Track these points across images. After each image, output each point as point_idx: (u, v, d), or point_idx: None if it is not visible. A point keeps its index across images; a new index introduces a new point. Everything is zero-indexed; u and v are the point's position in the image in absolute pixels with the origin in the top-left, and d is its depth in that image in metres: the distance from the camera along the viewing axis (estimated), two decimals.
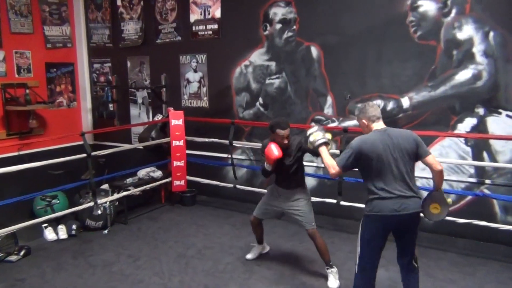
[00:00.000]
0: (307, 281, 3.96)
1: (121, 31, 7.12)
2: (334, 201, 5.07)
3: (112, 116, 7.12)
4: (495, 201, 4.67)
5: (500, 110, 4.55)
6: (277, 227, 5.37)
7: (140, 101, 7.16)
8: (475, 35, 4.57)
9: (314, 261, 4.32)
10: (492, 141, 4.62)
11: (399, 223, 2.95)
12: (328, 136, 3.43)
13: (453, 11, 4.66)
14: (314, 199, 5.24)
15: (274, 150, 3.73)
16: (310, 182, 5.77)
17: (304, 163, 5.71)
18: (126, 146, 5.98)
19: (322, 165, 5.46)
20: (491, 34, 4.49)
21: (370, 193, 2.99)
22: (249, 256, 4.46)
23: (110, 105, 7.12)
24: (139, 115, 7.19)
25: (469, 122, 4.69)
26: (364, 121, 3.14)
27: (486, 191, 4.66)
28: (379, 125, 3.10)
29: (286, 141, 3.84)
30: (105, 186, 5.77)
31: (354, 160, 2.99)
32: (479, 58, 4.58)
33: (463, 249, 4.59)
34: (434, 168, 3.02)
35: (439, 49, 4.78)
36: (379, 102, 5.14)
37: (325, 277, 3.97)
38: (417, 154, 3.00)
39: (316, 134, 3.41)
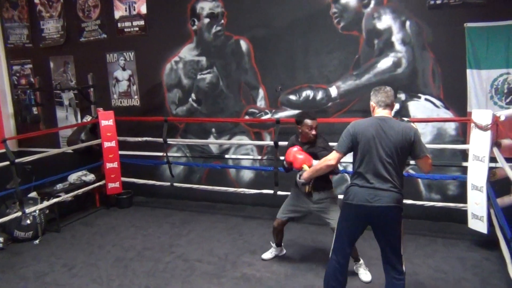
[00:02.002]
0: (247, 272, 4.01)
1: (41, 30, 6.76)
2: (271, 191, 5.15)
3: (36, 120, 6.75)
4: (419, 180, 4.99)
5: (420, 95, 4.85)
6: (217, 222, 5.38)
7: (66, 103, 6.85)
8: (393, 24, 4.83)
9: (253, 251, 4.38)
10: (413, 124, 4.90)
11: (371, 215, 2.84)
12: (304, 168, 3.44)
13: (372, 2, 4.90)
14: (252, 191, 5.33)
15: (299, 155, 3.54)
16: (247, 174, 5.85)
17: (241, 156, 5.81)
18: (54, 151, 5.69)
19: (259, 157, 5.59)
20: (408, 23, 4.77)
21: (351, 180, 2.98)
22: (265, 256, 4.25)
23: (34, 109, 6.74)
24: (66, 117, 6.87)
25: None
26: (372, 103, 3.01)
27: (411, 171, 4.95)
28: (383, 112, 2.94)
29: (314, 132, 3.66)
30: (33, 194, 5.45)
31: (350, 142, 2.90)
32: (398, 46, 4.85)
33: None
34: (421, 169, 2.97)
35: (361, 39, 4.99)
36: (309, 93, 5.29)
37: (264, 265, 4.08)
38: (411, 153, 2.85)
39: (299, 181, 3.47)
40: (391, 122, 2.87)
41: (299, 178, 3.41)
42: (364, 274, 3.77)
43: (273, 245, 4.25)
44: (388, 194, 2.80)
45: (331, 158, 2.98)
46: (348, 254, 3.06)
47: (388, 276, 2.96)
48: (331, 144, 3.64)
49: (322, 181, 3.63)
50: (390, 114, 2.95)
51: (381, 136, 2.81)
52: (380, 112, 2.95)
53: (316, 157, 3.54)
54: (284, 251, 4.33)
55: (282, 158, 5.00)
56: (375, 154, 2.81)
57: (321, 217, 3.81)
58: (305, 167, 3.41)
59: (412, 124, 2.94)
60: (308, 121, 3.65)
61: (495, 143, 4.02)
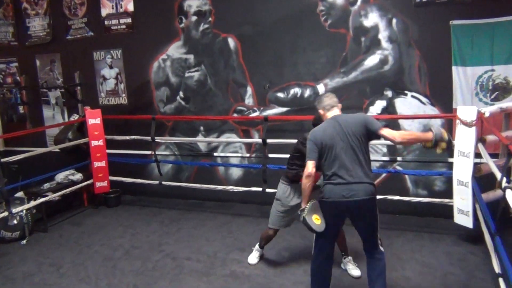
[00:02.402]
0: (236, 269, 4.02)
1: (27, 28, 6.68)
2: (260, 189, 5.16)
3: (23, 119, 6.69)
4: (406, 176, 5.05)
5: (406, 92, 4.90)
6: (206, 220, 5.37)
7: (53, 101, 6.79)
8: (380, 22, 4.86)
9: (242, 249, 4.39)
10: (400, 121, 4.96)
11: (349, 209, 2.96)
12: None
13: (359, 0, 4.91)
14: (240, 188, 5.35)
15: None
16: (236, 172, 5.86)
17: (229, 154, 5.83)
18: (40, 150, 5.63)
19: (247, 155, 5.60)
20: (394, 20, 4.81)
21: (324, 179, 3.06)
22: (253, 260, 4.15)
23: (20, 108, 6.67)
24: (53, 116, 6.81)
25: (379, 104, 5.00)
26: (321, 111, 3.22)
27: (398, 168, 5.00)
28: (333, 113, 3.15)
29: None
30: (20, 194, 5.41)
31: (317, 149, 3.00)
32: (384, 43, 4.88)
33: (380, 224, 4.83)
34: (392, 141, 2.95)
35: (348, 37, 5.02)
36: (297, 90, 5.31)
37: (248, 266, 4.11)
38: (369, 133, 2.98)
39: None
40: (341, 117, 3.08)
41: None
42: (354, 270, 3.81)
43: (257, 247, 4.18)
44: (362, 188, 2.92)
45: (306, 169, 3.04)
46: (332, 249, 3.16)
47: (370, 257, 3.13)
48: None
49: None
50: (339, 113, 3.16)
51: (340, 133, 2.97)
52: (330, 114, 3.16)
53: None
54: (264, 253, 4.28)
55: (271, 155, 5.02)
56: (340, 151, 2.94)
57: None
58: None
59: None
60: None
61: (480, 139, 4.07)
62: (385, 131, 2.95)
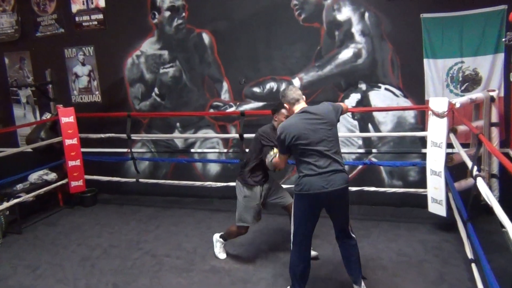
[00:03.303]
0: (216, 264, 4.03)
1: None
2: None
3: None
4: (381, 168, 5.14)
5: (380, 84, 4.98)
6: (184, 216, 5.36)
7: (24, 100, 6.63)
8: (352, 16, 4.92)
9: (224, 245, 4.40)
10: (375, 113, 5.04)
11: (328, 199, 3.00)
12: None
13: None
14: (218, 184, 5.34)
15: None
16: (213, 168, 5.85)
17: (207, 150, 5.82)
18: (12, 150, 5.49)
19: (224, 151, 5.60)
20: (367, 14, 4.87)
21: (299, 172, 3.06)
22: (222, 256, 4.16)
23: None
24: (24, 115, 6.65)
25: (354, 97, 5.06)
26: (286, 105, 3.22)
27: (374, 160, 5.09)
28: (299, 106, 3.15)
29: None
30: None
31: (287, 144, 3.03)
32: (358, 37, 4.94)
33: (357, 215, 4.98)
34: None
35: (322, 31, 5.06)
36: (273, 85, 5.33)
37: (233, 257, 4.13)
38: (337, 117, 3.16)
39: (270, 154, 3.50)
40: (312, 108, 3.10)
41: (271, 156, 3.45)
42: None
43: (220, 239, 4.16)
44: (339, 177, 2.99)
45: (280, 163, 3.31)
46: (310, 241, 3.20)
47: (343, 245, 3.23)
48: None
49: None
50: (305, 104, 3.19)
51: (311, 125, 2.99)
52: (297, 107, 3.16)
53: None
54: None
55: (247, 150, 5.01)
56: (315, 143, 2.96)
57: (274, 199, 3.95)
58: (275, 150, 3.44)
59: None
60: (284, 111, 3.63)
61: (451, 129, 4.18)
62: (344, 105, 3.40)
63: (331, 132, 3.03)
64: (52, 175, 5.86)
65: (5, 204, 5.05)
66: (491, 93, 4.34)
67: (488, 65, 4.51)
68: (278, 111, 3.64)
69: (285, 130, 3.04)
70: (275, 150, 3.45)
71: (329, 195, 2.97)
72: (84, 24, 6.05)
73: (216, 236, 4.20)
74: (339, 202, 3.07)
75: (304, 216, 3.10)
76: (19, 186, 5.52)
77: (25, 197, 5.32)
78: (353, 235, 3.22)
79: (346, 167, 5.10)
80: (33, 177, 5.75)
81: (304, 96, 3.24)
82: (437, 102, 4.10)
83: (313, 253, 3.83)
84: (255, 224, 3.98)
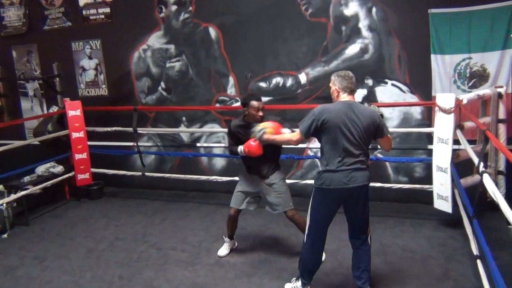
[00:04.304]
0: (221, 258, 4.05)
1: (1, 18, 6.52)
2: None
3: (0, 111, 6.54)
4: (387, 164, 5.13)
5: (386, 80, 4.96)
6: (190, 210, 5.38)
7: (31, 93, 6.67)
8: (360, 11, 4.89)
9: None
10: (381, 109, 4.99)
11: (348, 196, 2.95)
12: (265, 126, 3.39)
13: None
14: (224, 178, 5.36)
15: (257, 148, 3.50)
16: (219, 162, 5.87)
17: (212, 144, 5.82)
18: (19, 143, 5.53)
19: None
20: (374, 9, 4.84)
21: (322, 165, 2.99)
22: (222, 252, 4.11)
23: None
24: (31, 108, 6.69)
25: (360, 93, 5.04)
26: (336, 87, 3.01)
27: (379, 155, 5.08)
28: (348, 97, 2.99)
29: (261, 113, 3.61)
30: (0, 187, 5.32)
31: (315, 126, 2.90)
32: (364, 32, 4.92)
33: None
34: (383, 148, 3.21)
35: (329, 26, 5.04)
36: (279, 80, 5.32)
37: (238, 251, 4.15)
38: (376, 134, 2.98)
39: (255, 129, 3.40)
40: (359, 107, 2.94)
41: (259, 131, 3.35)
42: None
43: (226, 239, 4.15)
44: (361, 174, 2.92)
45: (294, 138, 3.08)
46: (325, 236, 3.17)
47: (357, 248, 3.15)
48: None
49: (274, 162, 3.79)
50: (353, 99, 3.03)
51: (352, 120, 2.87)
52: (345, 97, 2.99)
53: (271, 149, 3.62)
54: (236, 244, 4.26)
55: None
56: (346, 137, 2.87)
57: (266, 200, 3.84)
58: (269, 130, 3.35)
59: (377, 108, 3.06)
60: (254, 103, 3.62)
61: (458, 125, 4.16)
62: (385, 139, 3.07)
63: (365, 135, 2.91)
64: (59, 168, 5.91)
65: (13, 196, 5.10)
66: (499, 90, 4.31)
67: (496, 61, 4.47)
68: (248, 104, 3.62)
69: (324, 111, 2.90)
70: (261, 125, 3.41)
71: (350, 192, 2.92)
72: (91, 17, 6.07)
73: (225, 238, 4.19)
74: (358, 200, 3.00)
75: (321, 211, 3.07)
76: (27, 179, 5.57)
77: (32, 189, 5.36)
78: (370, 242, 3.15)
79: None
80: (40, 169, 5.79)
81: (355, 91, 3.12)
82: (444, 98, 4.08)
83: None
84: (235, 209, 3.98)
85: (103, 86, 6.23)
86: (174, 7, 5.62)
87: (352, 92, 3.02)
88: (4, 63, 6.66)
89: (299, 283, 3.31)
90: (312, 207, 3.11)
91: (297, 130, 3.05)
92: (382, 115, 3.03)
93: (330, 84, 3.07)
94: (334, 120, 2.87)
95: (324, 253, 3.85)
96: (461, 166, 4.21)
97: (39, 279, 3.86)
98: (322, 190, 3.00)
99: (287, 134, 3.25)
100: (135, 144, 5.74)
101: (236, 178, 5.23)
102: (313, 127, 2.92)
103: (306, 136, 3.00)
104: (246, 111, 3.68)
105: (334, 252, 3.98)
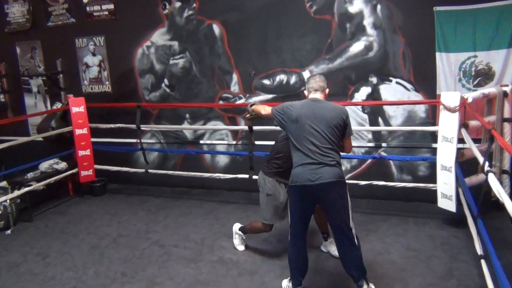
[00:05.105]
0: (224, 255, 4.05)
1: (6, 14, 6.53)
2: (247, 176, 5.18)
3: (4, 107, 6.56)
4: (391, 162, 5.11)
5: (391, 78, 4.94)
6: (192, 207, 5.38)
7: (35, 89, 6.67)
8: (364, 8, 4.87)
9: (230, 235, 4.38)
10: (385, 107, 5.01)
11: (315, 193, 2.96)
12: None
13: None
14: (227, 176, 5.35)
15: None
16: (222, 159, 5.86)
17: (216, 142, 5.82)
18: (23, 139, 5.54)
19: (233, 142, 5.60)
20: (379, 7, 4.81)
21: (293, 163, 3.07)
22: (241, 248, 4.15)
23: (1, 96, 6.55)
24: (35, 104, 6.70)
25: (364, 91, 5.03)
26: (305, 90, 3.30)
27: (383, 154, 5.06)
28: (313, 95, 3.19)
29: None
30: (3, 184, 5.33)
31: (281, 114, 3.12)
32: (369, 30, 4.89)
33: (366, 209, 4.97)
34: (345, 150, 3.23)
35: (333, 23, 5.02)
36: (283, 77, 5.31)
37: (236, 252, 4.14)
38: (343, 132, 3.06)
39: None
40: (322, 102, 3.12)
41: (250, 107, 3.68)
42: (332, 246, 3.87)
43: (240, 232, 4.14)
44: (328, 170, 2.93)
45: (268, 109, 3.40)
46: (305, 235, 3.19)
47: (340, 247, 3.10)
48: None
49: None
50: (322, 98, 3.19)
51: (315, 114, 3.00)
52: (311, 96, 3.21)
53: None
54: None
55: (257, 142, 5.01)
56: (310, 133, 2.95)
57: None
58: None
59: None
60: None
61: (463, 124, 4.13)
62: (348, 141, 3.20)
63: (332, 130, 2.98)
64: (63, 164, 5.91)
65: (16, 192, 5.11)
66: (504, 88, 4.28)
67: (501, 60, 4.44)
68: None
69: (290, 105, 3.14)
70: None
71: (316, 189, 2.93)
72: (95, 14, 6.06)
73: (235, 228, 4.19)
74: (328, 197, 2.97)
75: (294, 209, 3.11)
76: (30, 175, 5.57)
77: (35, 185, 5.37)
78: (355, 242, 3.03)
79: (355, 161, 5.17)
80: (44, 166, 5.80)
81: (327, 90, 3.26)
82: (449, 96, 4.05)
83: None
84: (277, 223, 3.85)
85: (107, 82, 6.23)
86: (178, 4, 5.61)
87: (316, 91, 3.20)
88: (8, 59, 6.67)
89: (290, 284, 3.32)
90: (290, 207, 3.17)
91: (271, 108, 3.30)
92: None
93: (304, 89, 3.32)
94: (297, 114, 3.02)
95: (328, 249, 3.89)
96: (465, 165, 4.19)
97: (42, 275, 3.87)
98: (292, 188, 3.06)
99: (266, 108, 3.46)
100: (139, 141, 5.74)
101: (239, 176, 5.26)
102: (280, 113, 3.14)
103: (274, 112, 3.20)
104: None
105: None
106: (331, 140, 2.97)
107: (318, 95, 3.19)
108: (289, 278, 3.36)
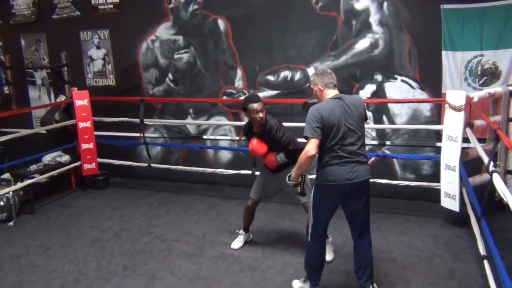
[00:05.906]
0: (225, 251, 4.05)
1: (11, 6, 6.52)
2: (249, 172, 5.17)
3: (8, 99, 6.57)
4: (395, 160, 5.08)
5: (396, 76, 4.90)
6: (195, 202, 5.38)
7: (39, 82, 6.67)
8: (371, 5, 4.83)
9: (232, 231, 4.39)
10: (390, 105, 4.98)
11: (351, 191, 2.92)
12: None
13: None
14: (230, 171, 5.34)
15: (259, 147, 3.67)
16: (225, 155, 5.85)
17: (219, 137, 5.80)
18: (27, 131, 5.55)
19: (237, 138, 5.58)
20: (385, 4, 4.78)
21: (323, 161, 2.91)
22: (235, 245, 4.10)
23: (5, 88, 6.55)
24: (39, 97, 6.71)
25: (369, 88, 5.00)
26: (319, 86, 2.99)
27: (387, 152, 5.04)
28: (333, 92, 2.98)
29: (262, 115, 3.56)
30: (6, 175, 5.35)
31: (322, 126, 2.80)
32: (375, 27, 4.86)
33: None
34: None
35: (339, 20, 4.99)
36: (287, 73, 5.28)
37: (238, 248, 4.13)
38: (365, 113, 3.03)
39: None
40: (346, 98, 2.95)
41: (289, 180, 3.13)
42: (328, 254, 3.67)
43: (241, 231, 4.14)
44: (363, 168, 2.91)
45: (310, 148, 2.80)
46: (326, 234, 3.16)
47: (361, 244, 3.08)
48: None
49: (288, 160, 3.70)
50: (338, 93, 3.02)
51: (346, 115, 2.86)
52: (332, 92, 2.98)
53: (279, 148, 3.64)
54: (251, 236, 4.24)
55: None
56: (345, 131, 2.84)
57: (291, 194, 3.71)
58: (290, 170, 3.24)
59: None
60: (252, 106, 3.56)
61: (468, 123, 4.11)
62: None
63: (360, 126, 2.93)
64: (66, 157, 5.92)
65: (19, 185, 5.12)
66: (510, 88, 4.24)
67: (508, 59, 4.40)
68: (246, 110, 3.59)
69: (319, 112, 2.82)
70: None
71: (354, 187, 2.89)
72: (100, 7, 6.05)
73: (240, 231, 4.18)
74: (362, 194, 2.96)
75: (323, 208, 3.01)
76: (33, 167, 5.59)
77: (38, 178, 5.38)
78: (370, 240, 3.12)
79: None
80: (47, 158, 5.81)
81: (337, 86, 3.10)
82: (455, 95, 4.03)
83: (328, 257, 3.71)
84: (254, 199, 3.95)
85: (111, 76, 6.22)
86: None
87: (335, 87, 3.01)
88: (12, 51, 6.67)
89: (307, 285, 3.25)
90: (315, 206, 3.05)
91: (310, 141, 2.81)
92: None
93: (312, 86, 3.07)
94: (331, 117, 2.82)
95: (333, 253, 3.85)
96: (469, 165, 4.16)
97: (44, 267, 3.88)
98: (325, 186, 2.94)
99: (303, 154, 2.87)
100: (142, 135, 5.73)
101: (242, 171, 5.25)
102: (322, 126, 2.80)
103: (319, 135, 2.81)
104: (248, 115, 3.64)
105: (338, 248, 3.95)
106: (363, 135, 2.95)
107: (337, 91, 3.01)
108: (302, 278, 3.32)
